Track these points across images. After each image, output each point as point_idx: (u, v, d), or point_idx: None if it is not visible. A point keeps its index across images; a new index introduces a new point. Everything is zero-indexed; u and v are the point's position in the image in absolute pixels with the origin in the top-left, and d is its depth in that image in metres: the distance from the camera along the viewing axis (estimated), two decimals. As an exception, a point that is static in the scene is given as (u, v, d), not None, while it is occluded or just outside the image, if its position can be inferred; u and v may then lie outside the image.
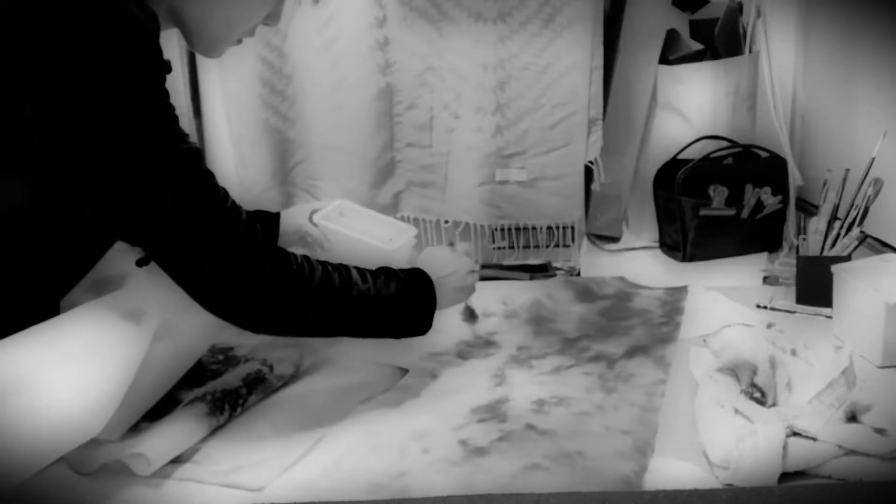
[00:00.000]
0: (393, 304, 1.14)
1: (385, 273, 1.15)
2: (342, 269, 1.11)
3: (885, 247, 1.58)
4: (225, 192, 1.03)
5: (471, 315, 1.43)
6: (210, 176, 1.01)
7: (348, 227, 1.37)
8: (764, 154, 1.78)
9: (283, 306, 1.05)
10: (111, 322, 1.00)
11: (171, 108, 0.97)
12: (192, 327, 1.32)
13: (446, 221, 1.77)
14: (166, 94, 0.96)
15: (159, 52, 0.94)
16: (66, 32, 0.88)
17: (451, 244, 1.41)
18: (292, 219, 1.39)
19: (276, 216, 1.38)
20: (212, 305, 1.03)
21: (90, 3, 0.89)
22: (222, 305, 1.03)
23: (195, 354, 1.21)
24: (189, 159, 0.98)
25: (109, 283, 1.14)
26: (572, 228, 1.76)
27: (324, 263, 1.09)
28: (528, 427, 1.11)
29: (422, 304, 1.18)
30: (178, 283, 1.01)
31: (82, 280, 1.06)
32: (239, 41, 1.10)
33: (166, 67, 0.96)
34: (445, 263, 1.24)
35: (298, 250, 1.20)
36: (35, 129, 0.91)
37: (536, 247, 1.78)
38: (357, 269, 1.13)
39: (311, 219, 1.37)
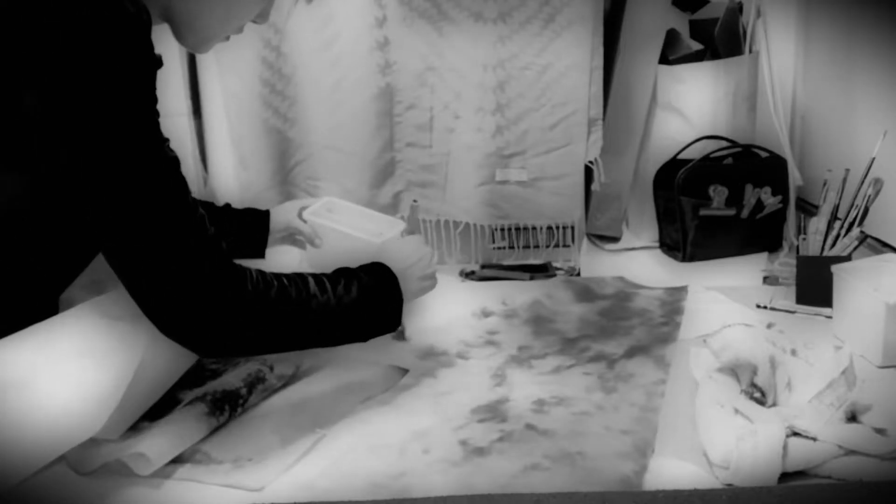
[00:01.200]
0: (356, 308, 1.10)
1: (345, 277, 1.11)
2: (298, 281, 1.06)
3: (885, 247, 1.58)
4: (195, 204, 0.99)
5: (400, 334, 1.37)
6: (183, 184, 0.98)
7: (337, 222, 1.37)
8: (764, 154, 1.78)
9: (237, 328, 1.00)
10: (109, 321, 1.00)
11: (156, 112, 0.95)
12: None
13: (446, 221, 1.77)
14: (153, 94, 0.94)
15: (150, 47, 0.93)
16: (57, 27, 0.87)
17: (415, 202, 1.39)
18: (281, 216, 1.39)
19: (266, 214, 1.38)
20: (163, 323, 0.98)
21: None
22: (173, 323, 0.98)
23: (194, 354, 1.21)
24: (165, 162, 0.96)
25: (108, 281, 1.14)
26: (572, 228, 1.76)
27: (279, 277, 1.05)
28: (528, 427, 1.11)
29: (387, 302, 1.15)
30: (134, 299, 0.97)
31: (80, 277, 1.06)
32: (227, 38, 1.09)
33: (157, 62, 0.95)
34: (408, 254, 1.21)
35: (286, 266, 1.19)
36: (30, 124, 0.90)
37: (536, 247, 1.78)
38: (315, 277, 1.08)
39: (300, 215, 1.37)
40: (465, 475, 1.00)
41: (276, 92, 1.72)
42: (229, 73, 1.70)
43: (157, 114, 0.95)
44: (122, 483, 1.00)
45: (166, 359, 1.09)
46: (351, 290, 1.10)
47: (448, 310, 1.50)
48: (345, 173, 1.75)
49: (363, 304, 1.11)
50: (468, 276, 1.71)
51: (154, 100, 0.94)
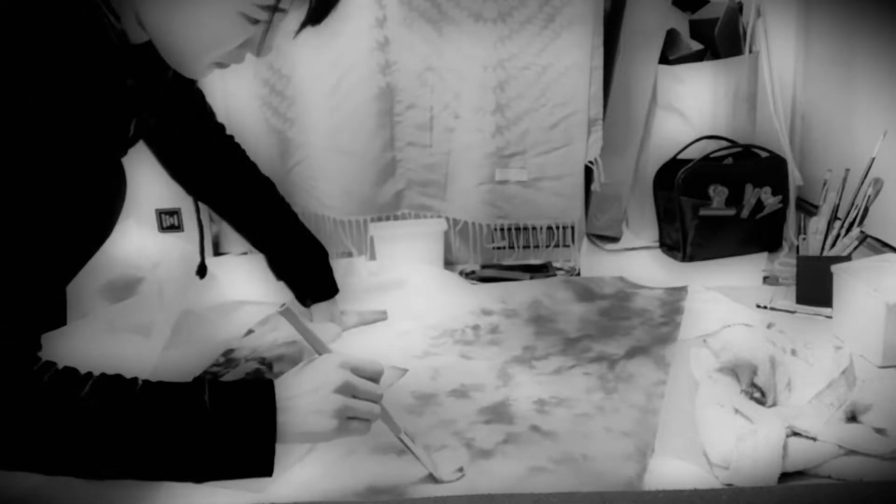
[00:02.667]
0: (172, 437, 0.82)
1: (173, 393, 0.84)
2: (80, 379, 0.81)
3: (885, 247, 1.58)
4: (27, 272, 0.81)
5: (433, 478, 1.00)
6: (27, 245, 0.81)
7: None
8: (764, 154, 1.78)
9: None
10: (121, 333, 0.99)
11: (52, 151, 0.81)
12: (200, 339, 1.32)
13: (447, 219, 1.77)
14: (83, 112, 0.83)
15: (77, 67, 0.84)
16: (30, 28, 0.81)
17: (283, 306, 0.92)
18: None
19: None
20: None
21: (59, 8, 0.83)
22: None
23: (202, 365, 1.21)
24: (18, 209, 0.80)
25: (123, 287, 1.13)
26: (572, 228, 1.76)
27: (69, 371, 0.82)
28: (530, 429, 1.10)
29: (237, 438, 0.84)
30: None
31: (96, 281, 1.04)
32: (219, 65, 0.98)
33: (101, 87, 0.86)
34: (301, 379, 0.89)
35: None
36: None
37: (536, 247, 1.78)
38: (119, 384, 0.82)
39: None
40: (467, 477, 1.00)
41: (276, 92, 1.72)
42: (229, 72, 1.69)
43: (53, 153, 0.81)
44: (122, 483, 1.00)
45: (178, 371, 1.08)
46: (174, 412, 0.83)
47: (448, 310, 1.50)
48: (345, 173, 1.75)
49: (188, 433, 0.82)
50: (468, 276, 1.71)
51: (57, 140, 0.81)
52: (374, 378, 0.94)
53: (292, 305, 1.37)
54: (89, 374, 0.82)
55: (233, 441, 0.84)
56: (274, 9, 0.89)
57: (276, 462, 0.86)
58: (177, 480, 0.85)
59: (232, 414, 0.84)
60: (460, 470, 1.01)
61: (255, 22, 0.91)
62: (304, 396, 0.88)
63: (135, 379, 0.83)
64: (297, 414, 0.87)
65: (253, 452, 0.85)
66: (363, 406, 0.91)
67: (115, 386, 0.82)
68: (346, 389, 0.90)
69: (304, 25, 0.94)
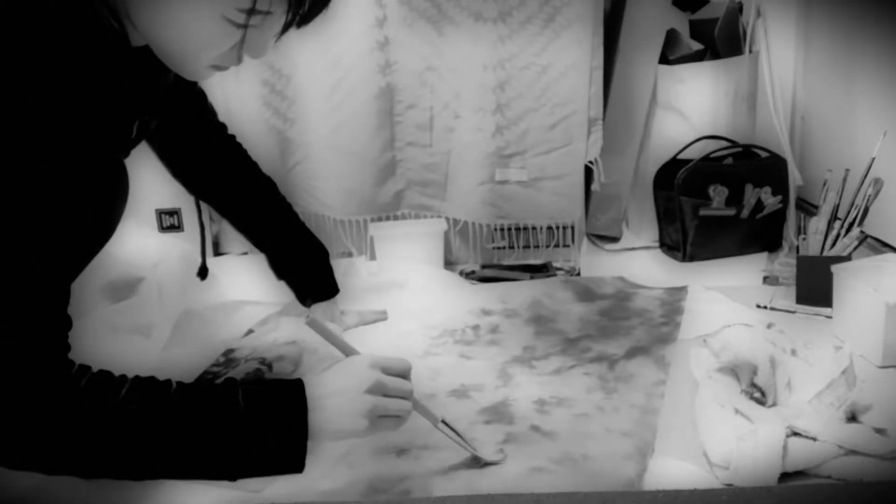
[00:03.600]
0: (206, 435, 0.83)
1: (202, 393, 0.85)
2: (117, 384, 0.81)
3: (885, 247, 1.58)
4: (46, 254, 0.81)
5: (476, 460, 1.03)
6: (45, 248, 0.80)
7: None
8: (764, 154, 1.78)
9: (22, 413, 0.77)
10: (122, 333, 0.98)
11: (64, 148, 0.80)
12: (200, 339, 1.32)
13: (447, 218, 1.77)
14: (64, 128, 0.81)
15: (83, 67, 0.83)
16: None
17: (308, 317, 0.97)
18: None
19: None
20: None
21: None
22: None
23: (202, 365, 1.21)
24: (32, 212, 0.79)
25: (124, 287, 1.12)
26: (572, 228, 1.76)
27: (104, 374, 0.82)
28: (530, 429, 1.10)
29: (269, 437, 0.85)
30: None
31: (97, 281, 1.03)
32: (220, 67, 0.97)
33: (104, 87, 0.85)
34: (333, 378, 0.91)
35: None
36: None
37: (536, 247, 1.78)
38: (155, 386, 0.83)
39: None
40: (467, 478, 1.00)
41: (276, 92, 1.72)
42: (229, 72, 1.68)
43: (66, 151, 0.81)
44: (121, 483, 1.00)
45: (178, 371, 1.08)
46: (210, 413, 0.84)
47: (448, 310, 1.50)
48: (345, 173, 1.75)
49: (224, 433, 0.84)
50: (468, 276, 1.71)
51: (67, 135, 0.81)
52: (404, 375, 0.96)
53: (292, 305, 1.38)
54: (123, 377, 0.82)
55: (267, 439, 0.85)
56: (251, 11, 0.88)
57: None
58: (212, 479, 0.86)
59: (266, 413, 0.85)
60: (501, 451, 1.04)
61: (240, 26, 0.90)
62: (335, 396, 0.89)
63: (168, 381, 0.84)
64: (328, 413, 0.88)
65: (286, 450, 0.86)
66: (394, 404, 0.93)
67: (152, 389, 0.83)
68: (377, 389, 0.91)
69: (286, 28, 0.93)
